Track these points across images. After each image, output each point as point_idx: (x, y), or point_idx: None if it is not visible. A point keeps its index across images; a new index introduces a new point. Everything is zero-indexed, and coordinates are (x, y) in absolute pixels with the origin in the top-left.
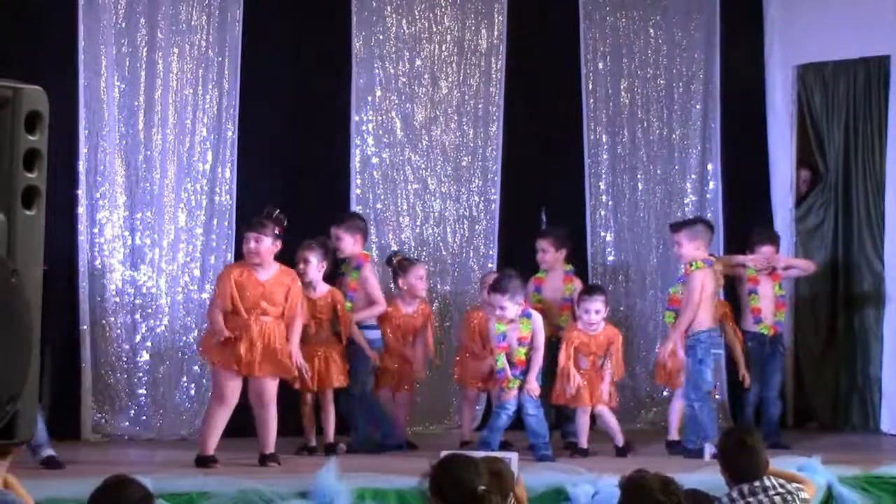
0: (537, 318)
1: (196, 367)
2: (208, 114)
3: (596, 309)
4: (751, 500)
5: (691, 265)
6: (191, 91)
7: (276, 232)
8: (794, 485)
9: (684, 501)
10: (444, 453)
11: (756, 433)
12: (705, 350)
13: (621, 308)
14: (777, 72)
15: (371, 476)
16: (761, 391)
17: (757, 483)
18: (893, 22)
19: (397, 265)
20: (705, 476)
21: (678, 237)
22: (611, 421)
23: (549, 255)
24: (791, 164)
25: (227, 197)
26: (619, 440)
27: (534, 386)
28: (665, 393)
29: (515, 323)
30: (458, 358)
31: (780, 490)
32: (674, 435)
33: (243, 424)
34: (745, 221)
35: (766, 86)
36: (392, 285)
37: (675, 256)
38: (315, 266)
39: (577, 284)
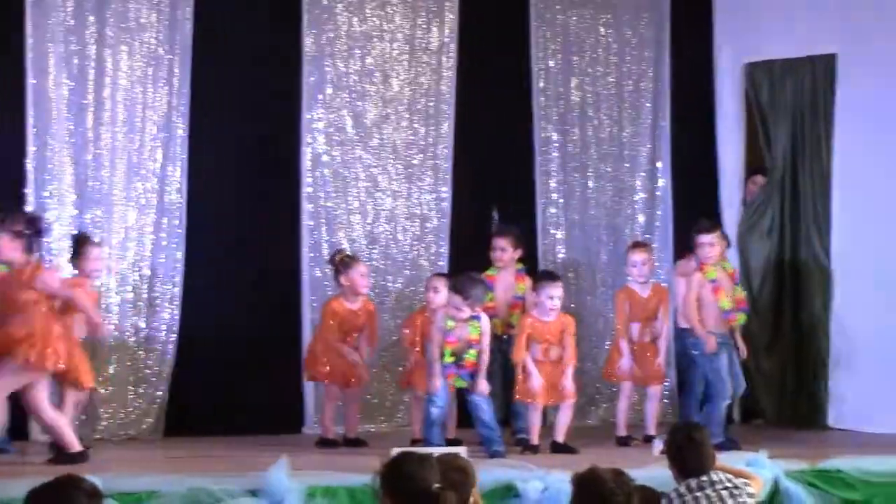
0: (486, 320)
1: (146, 368)
2: (158, 112)
3: (558, 295)
4: (699, 494)
5: (731, 268)
6: (140, 89)
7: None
8: (742, 479)
9: (635, 494)
10: (396, 451)
11: (704, 429)
12: (696, 345)
13: (572, 305)
14: (726, 70)
15: (322, 474)
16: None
17: (705, 477)
18: (840, 21)
19: (339, 262)
20: (654, 472)
21: (712, 238)
22: (564, 417)
23: (508, 254)
24: (739, 162)
25: (177, 195)
26: (560, 437)
27: (483, 385)
28: (614, 389)
29: (465, 324)
30: (406, 364)
31: (727, 484)
32: (622, 431)
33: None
34: (695, 218)
35: (714, 84)
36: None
37: (621, 254)
38: None
39: (528, 283)
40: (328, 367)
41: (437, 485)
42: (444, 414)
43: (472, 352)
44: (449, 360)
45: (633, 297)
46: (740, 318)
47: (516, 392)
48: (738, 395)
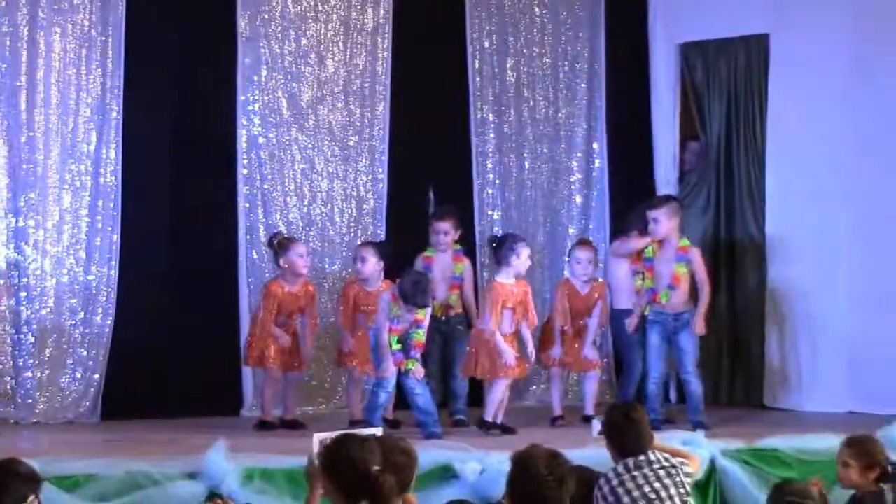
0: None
1: (82, 350)
2: (92, 94)
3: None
4: (636, 473)
5: (682, 242)
6: (74, 71)
7: None
8: (679, 459)
9: (569, 476)
10: (318, 436)
11: (641, 408)
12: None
13: None
14: (660, 50)
15: (259, 456)
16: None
17: (642, 457)
18: (773, 1)
19: (277, 245)
20: (592, 452)
21: (656, 214)
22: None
23: (450, 236)
24: (674, 142)
25: (112, 178)
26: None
27: (419, 367)
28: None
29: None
30: (341, 343)
31: (664, 464)
32: (557, 411)
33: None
34: (631, 198)
35: (649, 64)
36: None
37: (558, 234)
38: None
39: (467, 264)
40: (269, 351)
41: (376, 467)
42: (390, 398)
43: (419, 331)
44: (396, 346)
45: (573, 291)
46: (663, 296)
47: (494, 371)
48: (682, 373)
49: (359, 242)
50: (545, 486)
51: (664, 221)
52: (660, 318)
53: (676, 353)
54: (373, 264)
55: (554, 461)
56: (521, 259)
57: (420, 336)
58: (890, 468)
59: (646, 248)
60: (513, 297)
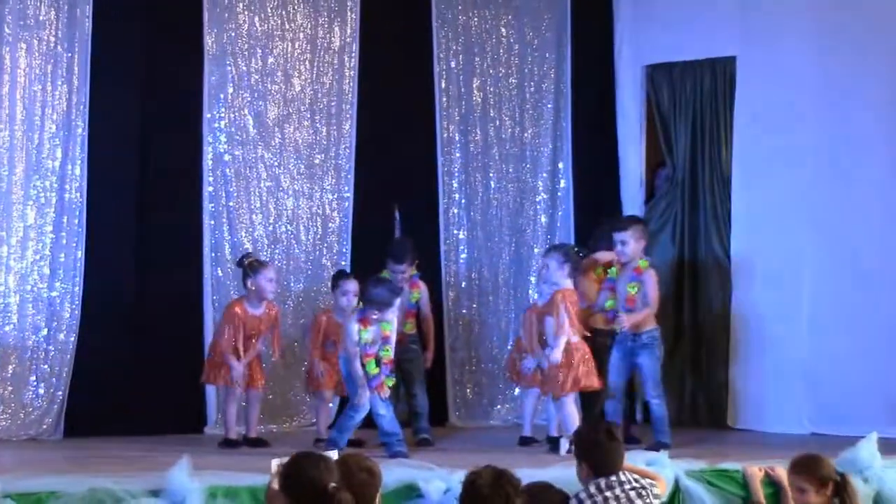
0: (393, 318)
1: (45, 367)
2: (57, 110)
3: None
4: (608, 494)
5: (640, 263)
6: (39, 87)
7: None
8: (648, 480)
9: (516, 495)
10: (275, 461)
11: (615, 427)
12: (660, 348)
13: (474, 305)
14: (627, 72)
15: (223, 474)
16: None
17: (614, 477)
18: (740, 24)
19: (248, 266)
20: (559, 472)
21: (624, 236)
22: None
23: (408, 272)
24: (640, 163)
25: (77, 194)
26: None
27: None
28: (517, 391)
29: (377, 326)
30: (310, 367)
31: (635, 485)
32: (527, 431)
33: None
34: (597, 220)
35: (616, 86)
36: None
37: (523, 254)
38: None
39: (423, 289)
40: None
41: (332, 484)
42: (362, 420)
43: (387, 348)
44: (374, 371)
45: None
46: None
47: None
48: (645, 395)
49: (341, 274)
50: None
51: (632, 244)
52: (620, 338)
53: (638, 374)
54: (353, 299)
55: (498, 481)
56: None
57: (389, 353)
58: (838, 478)
59: (611, 267)
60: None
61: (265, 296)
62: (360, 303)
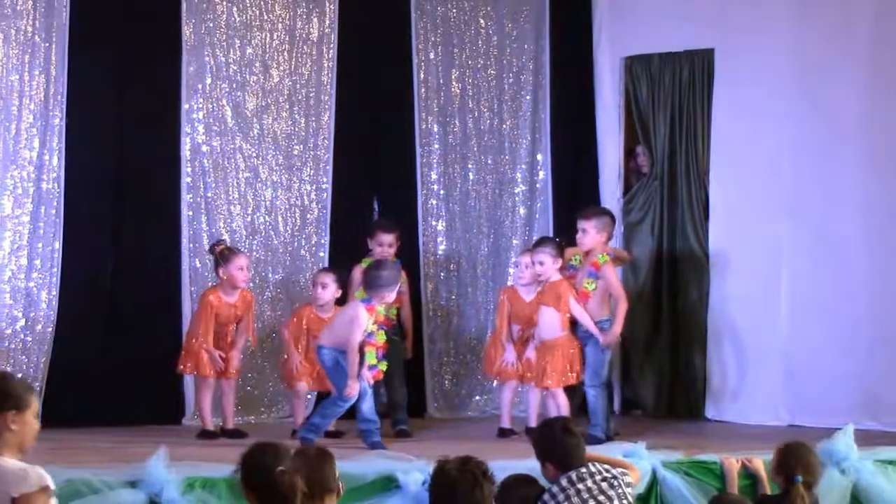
0: (390, 299)
1: (23, 357)
2: (35, 100)
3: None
4: (580, 486)
5: (599, 258)
6: (17, 77)
7: None
8: (619, 469)
9: (484, 478)
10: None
11: (572, 421)
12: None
13: (453, 297)
14: (605, 63)
15: (201, 465)
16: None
17: (584, 469)
18: (718, 15)
19: (219, 254)
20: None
21: (586, 225)
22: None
23: (393, 248)
24: (619, 155)
25: (55, 185)
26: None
27: (368, 374)
28: (495, 383)
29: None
30: (284, 357)
31: (605, 475)
32: (506, 423)
33: None
34: (575, 211)
35: (594, 77)
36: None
37: (502, 245)
38: None
39: (404, 276)
40: (203, 359)
41: (280, 468)
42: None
43: (381, 333)
44: (373, 361)
45: (516, 298)
46: None
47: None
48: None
49: (320, 268)
50: (458, 489)
51: (592, 233)
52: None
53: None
54: (332, 291)
55: (465, 465)
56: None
57: (382, 337)
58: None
59: (573, 257)
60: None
61: (238, 284)
62: (364, 290)
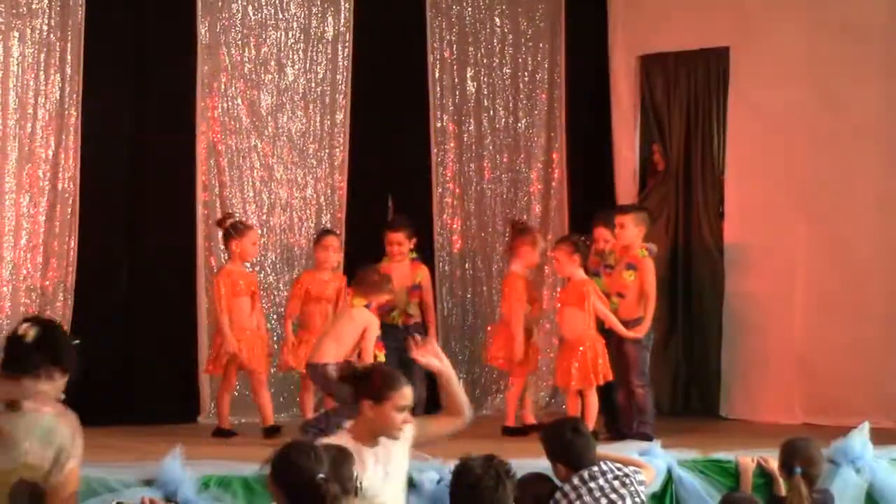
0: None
1: None
2: (50, 99)
3: None
4: (592, 485)
5: (639, 252)
6: (32, 76)
7: None
8: (631, 468)
9: (507, 477)
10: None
11: (582, 420)
12: (648, 336)
13: (468, 295)
14: (621, 62)
15: (216, 463)
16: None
17: (595, 468)
18: (733, 14)
19: (231, 227)
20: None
21: (624, 219)
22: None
23: (405, 246)
24: (635, 153)
25: (70, 183)
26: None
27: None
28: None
29: None
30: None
31: (617, 473)
32: (511, 421)
33: None
34: (590, 210)
35: (609, 76)
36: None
37: None
38: None
39: (425, 272)
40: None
41: (321, 475)
42: None
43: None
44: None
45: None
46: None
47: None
48: None
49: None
50: (481, 487)
51: (630, 227)
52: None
53: None
54: (339, 255)
55: (488, 462)
56: None
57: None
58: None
59: (607, 252)
60: None
61: (248, 258)
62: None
